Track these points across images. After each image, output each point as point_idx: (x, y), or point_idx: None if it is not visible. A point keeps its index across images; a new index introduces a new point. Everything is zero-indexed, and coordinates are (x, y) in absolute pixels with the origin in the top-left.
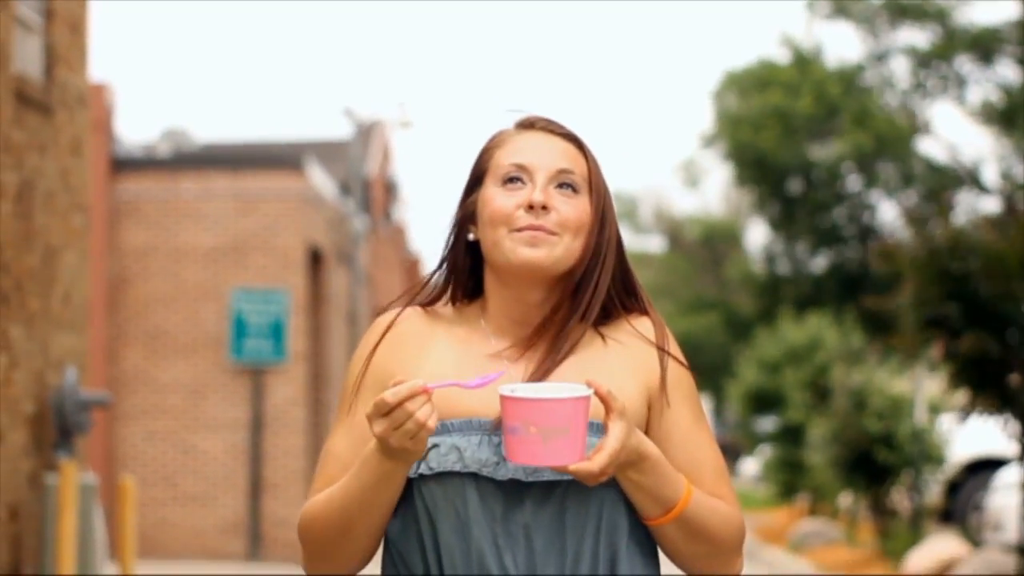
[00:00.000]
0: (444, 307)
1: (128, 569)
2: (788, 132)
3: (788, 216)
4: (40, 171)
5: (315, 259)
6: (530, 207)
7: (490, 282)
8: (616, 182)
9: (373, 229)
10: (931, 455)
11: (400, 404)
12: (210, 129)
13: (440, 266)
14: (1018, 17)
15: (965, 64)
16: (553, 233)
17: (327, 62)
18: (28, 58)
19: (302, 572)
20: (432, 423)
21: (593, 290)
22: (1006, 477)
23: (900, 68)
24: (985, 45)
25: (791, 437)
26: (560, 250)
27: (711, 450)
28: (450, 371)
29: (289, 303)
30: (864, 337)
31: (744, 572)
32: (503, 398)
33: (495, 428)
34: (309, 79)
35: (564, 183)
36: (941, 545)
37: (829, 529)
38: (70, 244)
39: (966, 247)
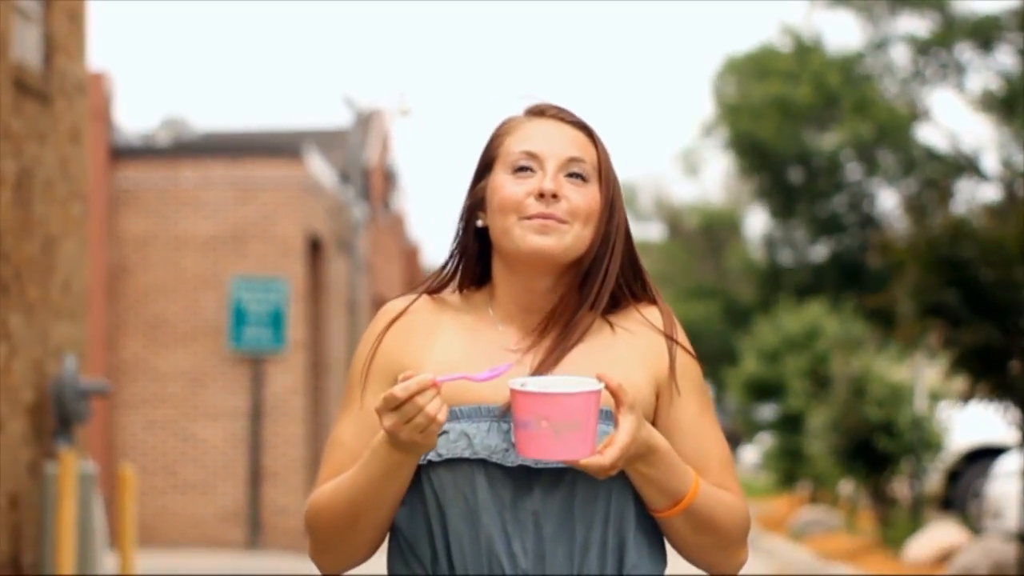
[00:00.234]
0: (451, 295)
1: (128, 558)
2: (788, 121)
3: (788, 205)
4: (39, 160)
5: (314, 247)
6: (540, 195)
7: (498, 269)
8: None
9: (372, 217)
10: (930, 443)
11: (410, 398)
12: (209, 118)
13: (451, 253)
14: (1018, 5)
15: (965, 52)
16: (563, 221)
17: (326, 50)
18: (27, 47)
19: (301, 560)
20: (442, 417)
21: (602, 279)
22: (1006, 465)
23: (900, 56)
24: (985, 33)
25: (791, 425)
26: (570, 238)
27: (718, 441)
28: (458, 359)
29: (289, 291)
30: (863, 325)
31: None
32: (514, 392)
33: (503, 414)
34: (308, 68)
35: (574, 172)
36: (941, 533)
37: (829, 517)
38: (69, 233)
39: (965, 234)
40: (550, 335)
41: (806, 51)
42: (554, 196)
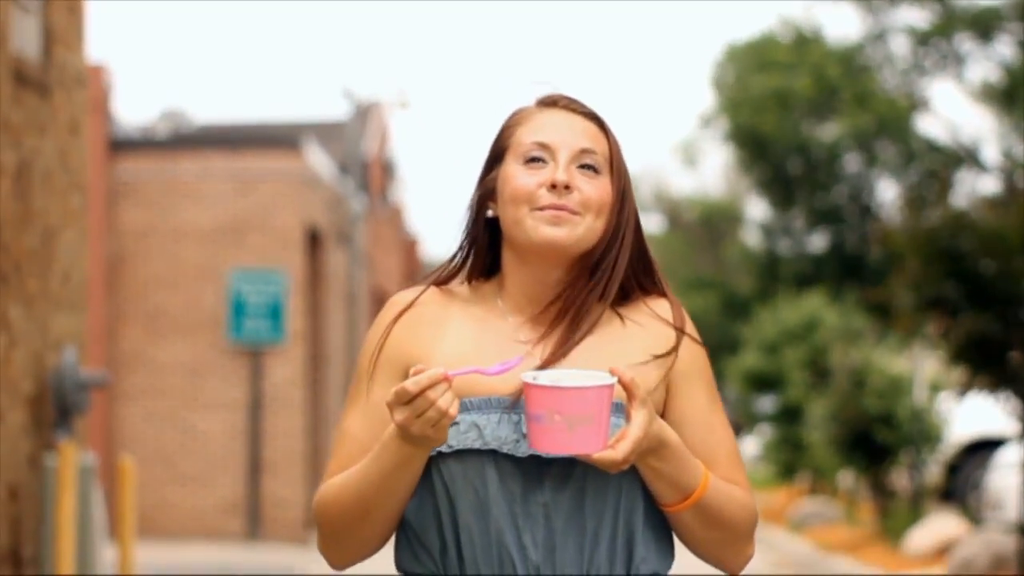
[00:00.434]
0: (459, 285)
1: (128, 550)
2: (787, 112)
3: (787, 196)
4: (38, 151)
5: (313, 239)
6: (553, 186)
7: (508, 260)
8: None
9: (371, 209)
10: (929, 434)
11: (422, 392)
12: (208, 110)
13: (460, 244)
14: None
15: (965, 43)
16: (575, 213)
17: (325, 43)
18: (26, 38)
19: (300, 552)
20: (453, 411)
21: (612, 270)
22: (1005, 456)
23: (899, 47)
24: (985, 23)
25: (790, 417)
26: (581, 230)
27: (726, 434)
28: (468, 351)
29: (288, 283)
30: (863, 316)
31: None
32: (527, 385)
33: (513, 406)
34: (307, 60)
35: (586, 163)
36: (941, 524)
37: (829, 509)
38: (69, 224)
39: (965, 226)
40: (559, 327)
41: (805, 42)
42: (566, 187)
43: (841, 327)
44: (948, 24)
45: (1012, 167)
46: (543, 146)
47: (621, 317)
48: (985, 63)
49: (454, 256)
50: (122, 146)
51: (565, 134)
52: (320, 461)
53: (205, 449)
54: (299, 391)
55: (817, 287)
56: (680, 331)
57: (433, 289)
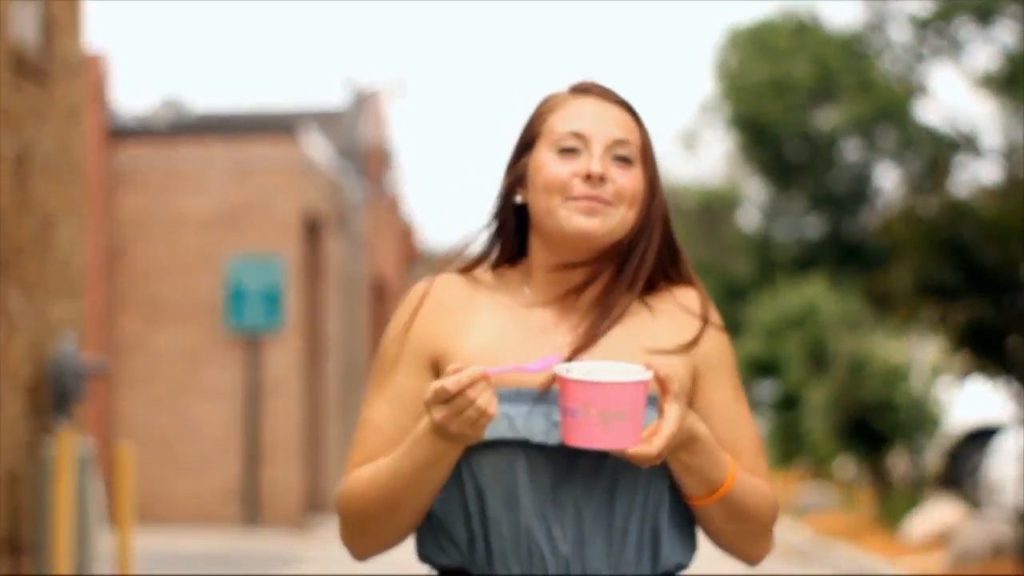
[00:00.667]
0: (484, 272)
1: (126, 537)
2: (787, 99)
3: (787, 181)
4: (37, 139)
5: (312, 227)
6: (588, 177)
7: (536, 248)
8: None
9: (370, 197)
10: (927, 420)
11: (461, 392)
12: (207, 98)
13: (486, 229)
14: None
15: (964, 26)
16: (609, 204)
17: (325, 31)
18: (25, 26)
19: (298, 538)
20: (493, 409)
21: (640, 261)
22: (1003, 443)
23: (899, 34)
24: (986, 8)
25: (789, 404)
26: (614, 221)
27: (750, 426)
28: (496, 341)
29: (286, 271)
30: (861, 302)
31: None
32: (562, 379)
33: (542, 397)
34: (306, 48)
35: (620, 154)
36: (939, 511)
37: (827, 496)
38: (67, 212)
39: (966, 213)
40: (588, 316)
41: (805, 29)
42: (601, 178)
43: (840, 314)
44: (949, 10)
45: (1013, 153)
46: (577, 135)
47: (648, 306)
48: (986, 48)
49: (481, 242)
50: (121, 134)
51: (599, 123)
52: (318, 447)
53: (203, 435)
54: (297, 377)
55: (815, 272)
56: (707, 321)
57: (457, 276)
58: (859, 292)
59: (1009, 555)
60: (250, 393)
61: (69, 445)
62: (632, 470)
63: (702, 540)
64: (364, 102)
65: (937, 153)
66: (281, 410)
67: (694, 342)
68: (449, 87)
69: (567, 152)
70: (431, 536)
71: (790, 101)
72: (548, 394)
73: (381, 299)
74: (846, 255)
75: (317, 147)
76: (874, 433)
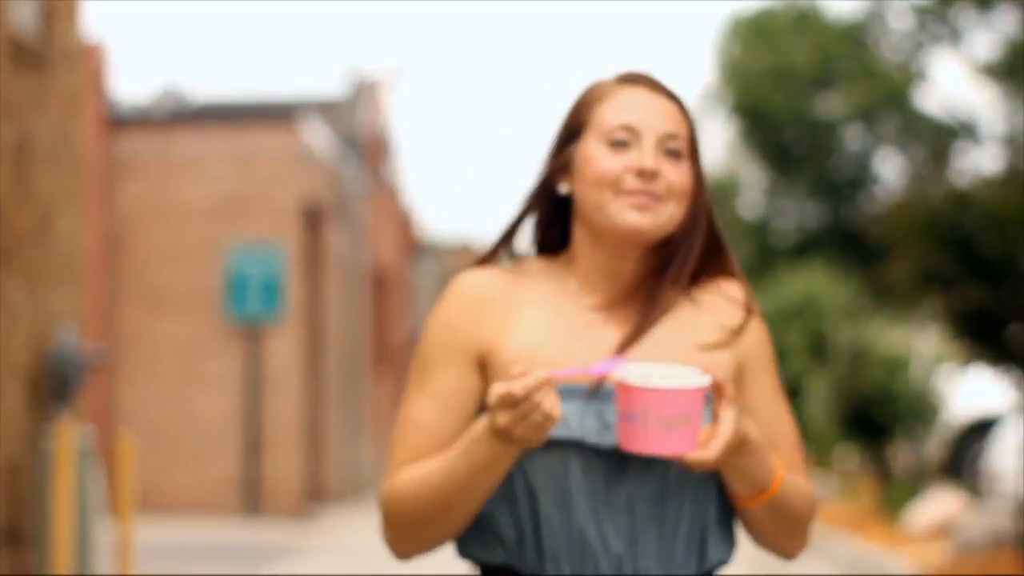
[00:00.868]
0: (523, 264)
1: (127, 527)
2: (787, 87)
3: (787, 169)
4: (37, 128)
5: (312, 216)
6: (640, 172)
7: (582, 240)
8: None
9: (370, 187)
10: (927, 410)
11: (527, 396)
12: (207, 87)
13: (520, 218)
14: None
15: (964, 12)
16: (660, 199)
17: (324, 20)
18: (24, 15)
19: (298, 527)
20: (557, 413)
21: (687, 255)
22: (1003, 432)
23: (899, 22)
24: None
25: (790, 394)
26: (664, 217)
27: (789, 421)
28: (543, 336)
29: (286, 260)
30: (861, 290)
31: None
32: (624, 385)
33: (592, 395)
34: (306, 37)
35: (670, 148)
36: (941, 500)
37: (829, 485)
38: (67, 201)
39: (967, 203)
40: (633, 310)
41: (806, 18)
42: (653, 174)
43: (840, 303)
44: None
45: (1014, 143)
46: (628, 128)
47: (692, 299)
48: (986, 35)
49: (512, 231)
50: (121, 123)
51: (650, 116)
52: (319, 436)
53: (204, 425)
54: (297, 366)
55: (815, 259)
56: (749, 315)
57: (497, 270)
58: (859, 280)
59: (1009, 546)
60: (250, 382)
61: (69, 435)
62: (682, 470)
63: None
64: (363, 91)
65: (937, 142)
66: (281, 399)
67: (739, 334)
68: (449, 75)
69: (617, 145)
70: (475, 533)
71: (791, 89)
72: (598, 392)
73: (381, 288)
74: (846, 243)
75: (317, 136)
76: (875, 423)
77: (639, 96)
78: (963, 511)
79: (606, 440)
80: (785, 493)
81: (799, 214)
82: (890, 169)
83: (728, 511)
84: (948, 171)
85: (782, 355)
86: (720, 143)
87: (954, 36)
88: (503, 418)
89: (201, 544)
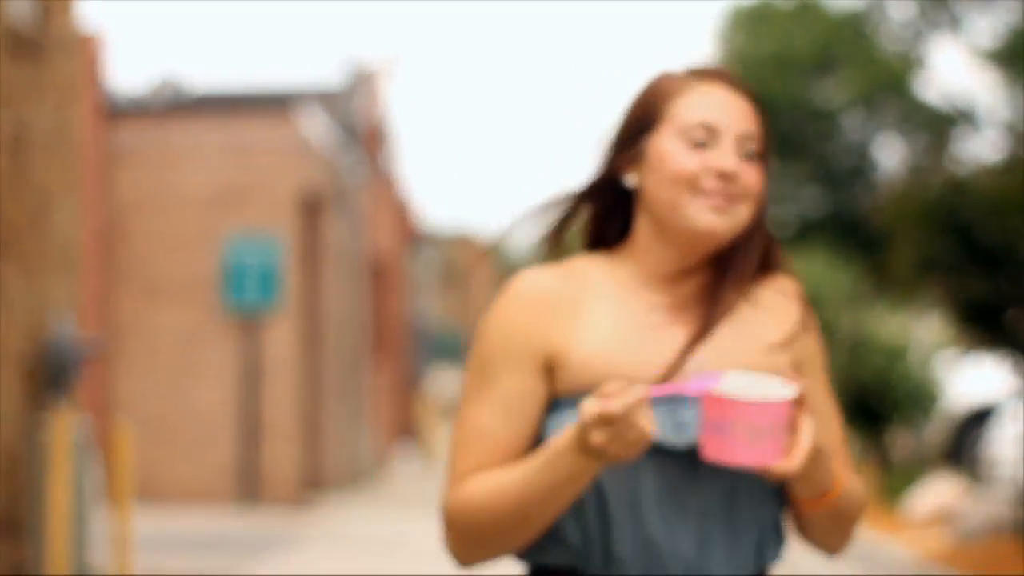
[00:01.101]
0: (580, 260)
1: (125, 518)
2: (786, 75)
3: (786, 156)
4: (34, 118)
5: (310, 207)
6: (721, 174)
7: (647, 236)
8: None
9: (368, 176)
10: (926, 398)
11: (626, 415)
12: (205, 77)
13: (574, 210)
14: None
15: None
16: (735, 201)
17: (322, 10)
18: (21, 6)
19: (295, 516)
20: (652, 431)
21: (751, 255)
22: (1005, 417)
23: (899, 10)
24: None
25: None
26: (739, 218)
27: (838, 419)
28: (611, 338)
29: (284, 249)
30: (861, 277)
31: None
32: (713, 396)
33: (659, 396)
34: (304, 27)
35: (747, 149)
36: (941, 487)
37: None
38: (64, 192)
39: (965, 191)
40: (696, 309)
41: (806, 8)
42: (733, 176)
43: (840, 291)
44: None
45: (1014, 130)
46: (707, 127)
47: (748, 297)
48: (987, 21)
49: (566, 223)
50: (118, 114)
51: (730, 115)
52: (317, 424)
53: (201, 414)
54: (295, 355)
55: (815, 246)
56: (805, 314)
57: (555, 268)
58: (859, 268)
59: (1009, 533)
60: (248, 372)
61: (66, 425)
62: (751, 473)
63: None
64: (361, 80)
65: (937, 129)
66: (279, 388)
67: (799, 334)
68: (449, 65)
69: (695, 143)
70: (535, 541)
71: (791, 77)
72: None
73: (380, 277)
74: (846, 230)
75: (314, 126)
76: (874, 411)
77: (718, 94)
78: (963, 498)
79: (681, 441)
80: (843, 495)
81: (799, 201)
82: (890, 157)
83: (781, 509)
84: (948, 159)
85: None
86: None
87: (954, 23)
88: (599, 436)
89: (199, 534)
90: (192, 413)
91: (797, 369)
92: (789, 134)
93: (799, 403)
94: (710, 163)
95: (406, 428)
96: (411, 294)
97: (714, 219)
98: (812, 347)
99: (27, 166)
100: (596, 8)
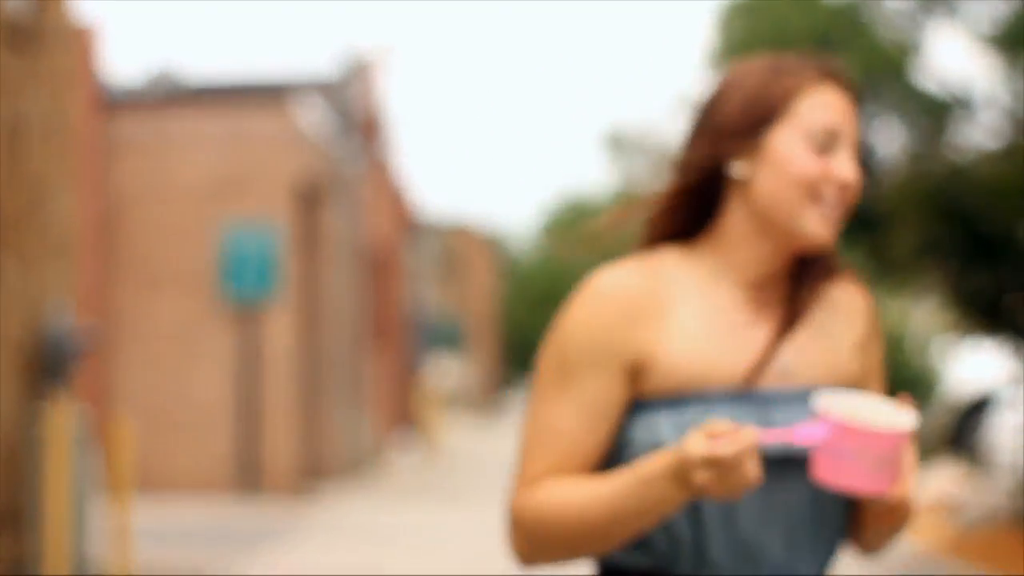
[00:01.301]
0: (662, 252)
1: (125, 509)
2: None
3: None
4: (30, 109)
5: (307, 196)
6: (843, 186)
7: (744, 230)
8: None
9: (365, 166)
10: (924, 385)
11: (735, 460)
12: (201, 67)
13: (675, 197)
14: None
15: None
16: (844, 211)
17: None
18: None
19: (294, 504)
20: (756, 478)
21: (833, 256)
22: (1005, 403)
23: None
24: None
25: None
26: (839, 228)
27: None
28: (700, 342)
29: (281, 238)
30: (860, 262)
31: None
32: (840, 424)
33: (750, 397)
34: (301, 17)
35: (855, 157)
36: (942, 474)
37: None
38: (61, 182)
39: (964, 178)
40: (774, 308)
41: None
42: (851, 187)
43: None
44: None
45: (1014, 117)
46: (831, 132)
47: (820, 299)
48: (986, 6)
49: (666, 210)
50: (114, 104)
51: (848, 122)
52: (317, 413)
53: (200, 403)
54: (293, 343)
55: None
56: (874, 319)
57: (639, 265)
58: (859, 253)
59: (1009, 521)
60: (246, 361)
61: (64, 415)
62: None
63: None
64: (358, 70)
65: (935, 115)
66: (277, 377)
67: (871, 338)
68: (448, 56)
69: (818, 146)
70: None
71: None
72: (756, 395)
73: (378, 266)
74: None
75: (312, 115)
76: None
77: (840, 96)
78: (964, 486)
79: (773, 448)
80: (912, 506)
81: None
82: (888, 143)
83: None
84: (946, 145)
85: None
86: None
87: (951, 9)
88: (703, 476)
89: (199, 525)
90: (191, 403)
91: (866, 374)
92: None
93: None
94: (833, 172)
95: (405, 416)
96: (410, 283)
97: (826, 231)
98: (878, 352)
99: (24, 156)
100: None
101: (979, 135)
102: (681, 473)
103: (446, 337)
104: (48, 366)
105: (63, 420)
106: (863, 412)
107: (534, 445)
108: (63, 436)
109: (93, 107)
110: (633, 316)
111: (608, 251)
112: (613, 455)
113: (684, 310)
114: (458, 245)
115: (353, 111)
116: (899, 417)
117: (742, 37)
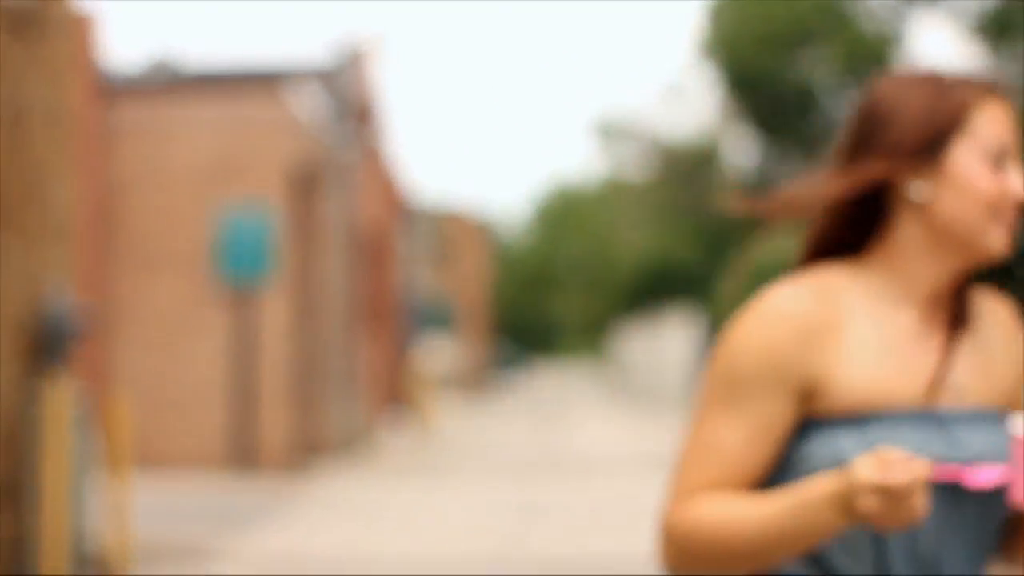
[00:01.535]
0: (831, 270)
1: (124, 487)
2: (776, 51)
3: (773, 130)
4: (31, 96)
5: (302, 182)
6: (1021, 203)
7: (917, 248)
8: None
9: (358, 152)
10: None
11: (907, 491)
12: (198, 55)
13: (838, 215)
14: None
15: None
16: (1014, 226)
17: None
18: None
19: (289, 480)
20: (923, 514)
21: (991, 271)
22: None
23: None
24: None
25: None
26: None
27: None
28: (872, 359)
29: (276, 222)
30: None
31: None
32: None
33: (932, 417)
34: (297, 4)
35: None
36: None
37: None
38: (61, 166)
39: None
40: (938, 324)
41: None
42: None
43: None
44: None
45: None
46: (1003, 148)
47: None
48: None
49: (829, 228)
50: (113, 90)
51: (1013, 136)
52: (312, 391)
53: (197, 383)
54: (288, 324)
55: (797, 221)
56: (1020, 328)
57: (811, 283)
58: None
59: None
60: (242, 341)
61: (63, 394)
62: (1000, 496)
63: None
64: (352, 57)
65: None
66: (272, 358)
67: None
68: (444, 43)
69: (994, 164)
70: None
71: (779, 53)
72: (937, 415)
73: (372, 250)
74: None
75: (307, 102)
76: None
77: (1006, 111)
78: None
79: (953, 455)
80: None
81: (789, 176)
82: None
83: None
84: None
85: None
86: (708, 106)
87: (933, 1)
88: (869, 503)
89: (195, 501)
90: (187, 383)
91: (1019, 386)
92: (778, 108)
93: None
94: (1010, 189)
95: (398, 397)
96: (402, 267)
97: (1005, 246)
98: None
99: (25, 141)
100: None
101: None
102: (847, 498)
103: (438, 320)
104: (47, 345)
105: (62, 399)
106: None
107: (694, 459)
108: (62, 414)
109: (93, 94)
110: (807, 338)
111: (597, 237)
112: (784, 472)
113: (858, 329)
114: (450, 230)
115: (347, 98)
116: None
117: (731, 27)
